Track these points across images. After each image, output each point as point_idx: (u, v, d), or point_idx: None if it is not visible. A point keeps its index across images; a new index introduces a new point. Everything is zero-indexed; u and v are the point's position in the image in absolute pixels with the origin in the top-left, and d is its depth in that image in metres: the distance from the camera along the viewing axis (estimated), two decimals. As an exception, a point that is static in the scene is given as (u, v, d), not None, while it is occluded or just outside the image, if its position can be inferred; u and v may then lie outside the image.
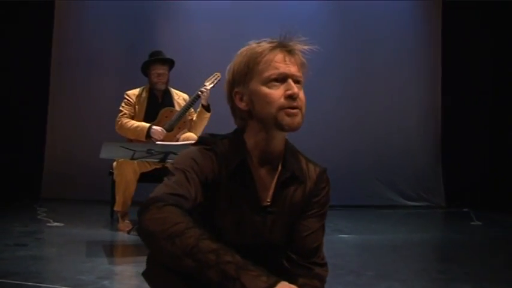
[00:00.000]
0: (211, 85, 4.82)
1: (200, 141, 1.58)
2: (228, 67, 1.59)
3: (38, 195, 6.25)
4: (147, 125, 4.70)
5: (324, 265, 1.63)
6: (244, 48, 1.57)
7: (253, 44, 1.56)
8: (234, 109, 1.59)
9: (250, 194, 1.55)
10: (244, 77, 1.53)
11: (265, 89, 1.50)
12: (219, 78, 4.83)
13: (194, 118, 4.88)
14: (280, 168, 1.58)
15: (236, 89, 1.56)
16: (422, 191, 6.89)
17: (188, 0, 6.72)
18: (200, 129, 4.84)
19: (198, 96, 4.77)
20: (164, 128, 4.73)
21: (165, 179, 1.47)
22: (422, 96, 7.05)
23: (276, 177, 1.57)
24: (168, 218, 1.31)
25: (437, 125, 7.03)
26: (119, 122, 4.76)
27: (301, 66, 1.54)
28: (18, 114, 6.30)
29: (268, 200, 1.57)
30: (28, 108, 6.34)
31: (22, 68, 6.31)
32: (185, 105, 4.80)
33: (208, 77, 4.87)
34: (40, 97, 6.41)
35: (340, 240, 4.48)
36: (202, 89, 4.76)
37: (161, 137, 4.66)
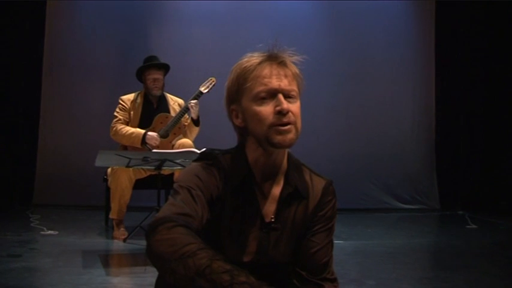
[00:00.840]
0: (206, 90, 4.78)
1: (202, 156, 1.54)
2: (225, 84, 1.56)
3: (29, 201, 6.16)
4: (142, 131, 4.63)
5: (334, 280, 1.59)
6: (235, 64, 1.53)
7: (244, 58, 1.52)
8: (234, 126, 1.56)
9: (254, 211, 1.52)
10: (236, 94, 1.51)
11: (255, 107, 1.46)
12: (214, 83, 4.79)
13: (186, 127, 4.83)
14: (282, 183, 1.55)
15: (232, 106, 1.53)
16: (417, 193, 6.88)
17: (183, 0, 6.64)
18: (192, 138, 4.78)
19: (187, 109, 4.72)
20: (159, 134, 4.67)
21: (170, 197, 1.45)
22: (416, 99, 7.03)
23: (279, 192, 1.54)
24: (178, 238, 1.28)
25: (431, 127, 7.02)
26: (114, 128, 4.69)
27: (294, 77, 1.49)
28: (9, 116, 6.21)
29: (272, 216, 1.54)
30: (20, 110, 6.26)
31: (13, 71, 6.22)
32: (177, 115, 4.74)
33: (203, 81, 4.83)
34: (32, 99, 6.32)
35: (338, 246, 4.41)
36: (192, 103, 4.69)
37: (157, 143, 4.61)
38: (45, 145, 6.37)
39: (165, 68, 4.86)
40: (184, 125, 4.83)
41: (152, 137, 4.61)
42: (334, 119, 6.77)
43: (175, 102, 4.92)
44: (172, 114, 4.80)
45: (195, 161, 1.54)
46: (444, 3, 6.92)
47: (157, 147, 4.54)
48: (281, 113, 1.43)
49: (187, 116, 4.84)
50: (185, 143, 4.60)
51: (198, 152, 4.02)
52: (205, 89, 4.77)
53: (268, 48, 1.50)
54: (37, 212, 5.58)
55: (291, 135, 1.45)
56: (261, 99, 1.45)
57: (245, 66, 1.49)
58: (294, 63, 1.50)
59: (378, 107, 6.89)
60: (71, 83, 6.41)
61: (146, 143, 4.60)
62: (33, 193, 6.26)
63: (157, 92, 4.78)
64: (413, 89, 7.02)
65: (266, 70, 1.47)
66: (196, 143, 4.67)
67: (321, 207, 1.58)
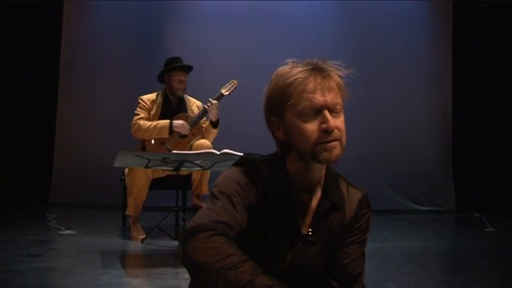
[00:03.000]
0: (228, 92, 4.76)
1: (242, 161, 1.51)
2: (263, 91, 1.50)
3: (46, 200, 6.19)
4: (167, 121, 4.64)
5: None
6: (277, 72, 1.48)
7: (286, 68, 1.46)
8: (273, 137, 1.52)
9: (291, 222, 1.50)
10: (278, 107, 1.46)
11: (300, 123, 1.42)
12: (235, 86, 4.77)
13: (204, 130, 4.82)
14: (320, 195, 1.53)
15: (272, 118, 1.49)
16: (433, 195, 6.82)
17: (200, 0, 6.62)
18: (210, 140, 4.76)
19: (206, 111, 4.71)
20: (178, 135, 4.68)
21: (209, 202, 1.41)
22: (433, 99, 6.98)
23: (316, 205, 1.52)
24: (218, 248, 1.26)
25: (448, 128, 6.95)
26: (136, 125, 4.68)
27: (339, 89, 1.45)
28: (26, 115, 6.24)
29: (310, 230, 1.52)
30: (36, 109, 6.29)
31: (30, 69, 6.26)
32: (197, 116, 4.74)
33: (221, 82, 4.81)
34: (49, 98, 6.35)
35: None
36: (212, 101, 4.68)
37: (185, 131, 4.64)
38: (62, 144, 6.39)
39: (189, 70, 4.86)
40: (203, 127, 4.82)
41: (180, 124, 4.61)
42: (349, 118, 6.62)
43: (193, 104, 4.92)
44: (191, 115, 4.80)
45: (234, 165, 1.50)
46: (461, 3, 6.86)
47: (176, 149, 4.54)
48: (327, 131, 1.40)
49: (205, 118, 4.83)
50: (203, 144, 4.59)
51: (217, 153, 4.02)
52: (226, 91, 4.75)
53: (309, 60, 1.46)
54: (54, 211, 5.59)
55: (336, 151, 1.42)
56: (306, 115, 1.41)
57: (289, 80, 1.43)
58: (337, 74, 1.46)
59: (393, 106, 6.84)
60: (87, 82, 6.43)
61: (174, 131, 4.61)
62: (50, 192, 6.29)
63: (181, 93, 4.80)
64: (430, 89, 6.97)
65: (311, 85, 1.41)
66: (214, 144, 4.66)
67: (357, 219, 1.57)
